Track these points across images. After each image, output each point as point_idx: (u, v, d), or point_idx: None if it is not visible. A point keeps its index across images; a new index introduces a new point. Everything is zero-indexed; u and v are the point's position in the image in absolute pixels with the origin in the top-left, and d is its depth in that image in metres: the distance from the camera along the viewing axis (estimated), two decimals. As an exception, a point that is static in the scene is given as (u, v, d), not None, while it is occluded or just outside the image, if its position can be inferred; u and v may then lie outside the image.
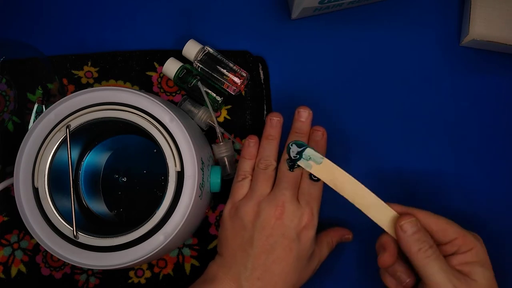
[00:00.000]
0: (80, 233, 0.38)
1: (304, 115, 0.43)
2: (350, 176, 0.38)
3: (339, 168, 0.38)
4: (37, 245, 0.47)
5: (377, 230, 0.40)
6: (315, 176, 0.41)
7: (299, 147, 0.39)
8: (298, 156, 0.39)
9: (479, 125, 0.49)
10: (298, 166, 0.40)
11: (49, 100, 0.46)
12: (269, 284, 0.39)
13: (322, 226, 0.44)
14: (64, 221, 0.39)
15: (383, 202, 0.37)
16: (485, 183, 0.48)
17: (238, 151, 0.48)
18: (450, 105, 0.50)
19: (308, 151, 0.38)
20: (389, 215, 0.37)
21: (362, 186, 0.37)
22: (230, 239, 0.41)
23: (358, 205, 0.37)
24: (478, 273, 0.36)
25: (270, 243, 0.39)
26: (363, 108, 0.50)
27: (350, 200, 0.37)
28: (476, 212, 0.48)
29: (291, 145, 0.40)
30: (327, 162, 0.38)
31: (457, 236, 0.37)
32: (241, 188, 0.42)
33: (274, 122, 0.43)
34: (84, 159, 0.45)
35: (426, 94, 0.50)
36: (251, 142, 0.44)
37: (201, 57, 0.47)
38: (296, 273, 0.40)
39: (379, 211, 0.37)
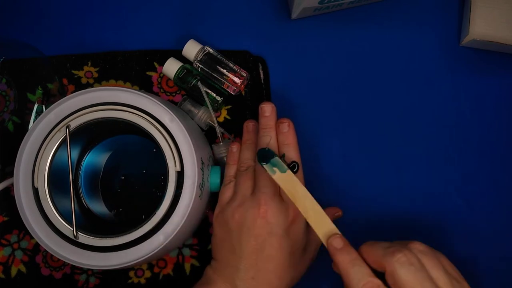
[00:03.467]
0: (80, 233, 0.38)
1: (267, 109, 0.44)
2: (308, 192, 0.38)
3: (299, 182, 0.39)
4: (37, 245, 0.47)
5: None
6: (292, 168, 0.41)
7: (269, 155, 0.40)
8: (266, 161, 0.40)
9: (479, 125, 0.49)
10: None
11: (49, 100, 0.46)
12: (264, 282, 0.39)
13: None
14: (64, 221, 0.39)
15: (335, 227, 0.37)
16: (485, 182, 0.48)
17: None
18: (450, 105, 0.50)
19: (276, 160, 0.39)
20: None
21: (317, 204, 0.38)
22: (220, 243, 0.41)
23: (309, 219, 0.38)
24: None
25: (259, 242, 0.39)
26: (363, 108, 0.49)
27: (302, 213, 0.38)
28: (477, 213, 0.48)
29: (260, 151, 0.41)
30: (289, 173, 0.39)
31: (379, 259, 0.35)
32: (227, 191, 0.43)
33: (250, 128, 0.46)
34: (84, 159, 0.45)
35: (426, 94, 0.50)
36: (233, 148, 0.45)
37: (201, 57, 0.47)
38: (291, 268, 0.40)
39: (328, 231, 0.37)
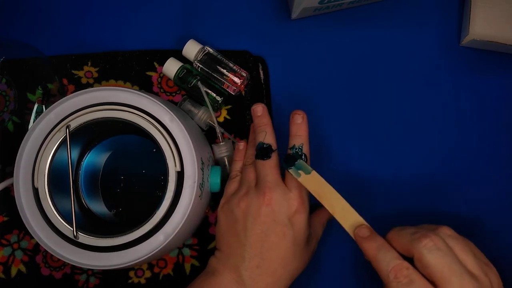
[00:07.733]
0: (80, 233, 0.38)
1: (259, 110, 0.45)
2: (333, 189, 0.39)
3: (324, 181, 0.39)
4: (37, 245, 0.47)
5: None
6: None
7: (294, 158, 0.41)
8: (291, 165, 0.40)
9: (479, 125, 0.49)
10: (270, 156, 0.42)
11: (49, 100, 0.46)
12: (268, 270, 0.39)
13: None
14: (64, 221, 0.39)
15: (362, 219, 0.38)
16: (485, 183, 0.48)
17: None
18: (450, 105, 0.50)
19: (300, 162, 0.40)
20: None
21: (343, 199, 0.38)
22: (225, 232, 0.42)
23: (335, 215, 0.38)
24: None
25: (263, 230, 0.39)
26: (363, 108, 0.50)
27: (329, 210, 0.38)
28: (477, 214, 0.48)
29: (286, 156, 0.42)
30: (314, 173, 0.39)
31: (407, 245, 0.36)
32: (232, 184, 0.44)
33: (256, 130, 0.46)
34: (84, 159, 0.45)
35: (426, 94, 0.50)
36: (240, 145, 0.46)
37: (201, 57, 0.47)
38: (295, 258, 0.40)
39: (354, 223, 0.38)
